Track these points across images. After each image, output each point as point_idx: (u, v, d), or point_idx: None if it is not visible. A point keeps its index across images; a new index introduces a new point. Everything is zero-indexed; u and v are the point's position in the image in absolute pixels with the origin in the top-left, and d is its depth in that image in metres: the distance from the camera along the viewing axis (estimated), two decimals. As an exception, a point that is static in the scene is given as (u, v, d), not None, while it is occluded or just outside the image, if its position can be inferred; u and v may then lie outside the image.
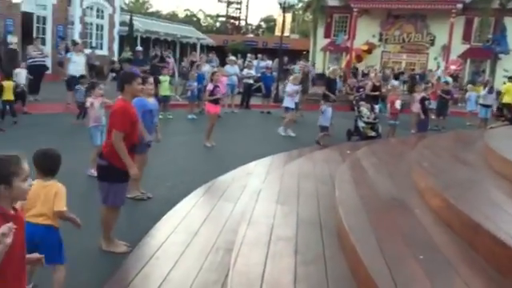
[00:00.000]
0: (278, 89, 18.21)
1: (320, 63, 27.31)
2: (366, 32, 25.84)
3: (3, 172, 2.13)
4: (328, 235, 4.28)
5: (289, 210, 5.00)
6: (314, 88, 19.00)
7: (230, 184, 6.61)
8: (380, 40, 26.49)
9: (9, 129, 9.68)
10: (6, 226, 2.04)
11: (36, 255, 2.41)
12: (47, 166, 3.33)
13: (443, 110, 14.53)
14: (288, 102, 12.33)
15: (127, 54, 18.31)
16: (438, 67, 23.27)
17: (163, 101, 13.37)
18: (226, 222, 4.97)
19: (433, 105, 13.79)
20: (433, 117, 13.83)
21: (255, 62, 20.79)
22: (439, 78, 18.89)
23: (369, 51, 26.12)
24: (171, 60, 17.68)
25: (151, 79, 6.29)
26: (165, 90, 13.20)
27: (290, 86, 12.52)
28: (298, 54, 29.52)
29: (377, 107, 12.60)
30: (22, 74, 12.26)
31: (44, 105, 12.85)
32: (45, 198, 3.27)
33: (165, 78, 13.33)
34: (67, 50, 15.91)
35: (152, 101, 6.07)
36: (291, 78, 13.36)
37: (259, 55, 23.79)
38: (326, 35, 27.88)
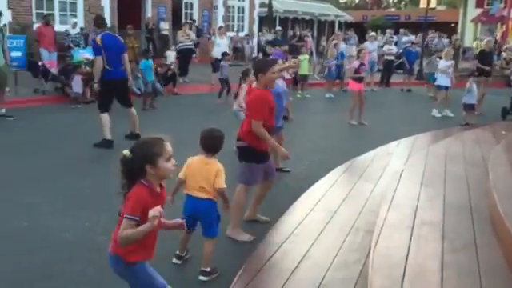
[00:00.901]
0: (422, 65, 17.13)
1: (470, 36, 25.05)
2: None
3: (148, 153, 2.33)
4: (480, 221, 3.93)
5: (434, 193, 4.69)
6: (463, 63, 17.55)
7: (370, 164, 6.42)
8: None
9: (160, 107, 10.56)
10: (157, 210, 2.26)
11: (178, 220, 2.58)
12: (210, 144, 3.55)
13: None
14: (442, 80, 11.33)
15: (266, 36, 18.71)
16: None
17: (301, 80, 13.46)
18: (366, 203, 4.84)
19: None
20: None
21: (397, 38, 19.79)
22: None
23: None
24: (309, 39, 17.66)
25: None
26: (303, 69, 13.24)
27: (443, 62, 11.59)
28: (444, 27, 27.41)
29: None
30: (171, 56, 13.49)
31: (192, 86, 13.77)
32: (206, 174, 3.49)
33: (303, 57, 13.35)
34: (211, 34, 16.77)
35: (281, 83, 6.06)
36: (443, 52, 12.39)
37: (401, 30, 22.58)
38: (478, 4, 25.49)
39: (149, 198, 2.33)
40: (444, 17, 30.34)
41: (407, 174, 5.39)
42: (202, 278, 3.54)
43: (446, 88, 11.05)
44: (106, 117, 7.09)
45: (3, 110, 8.67)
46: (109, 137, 7.04)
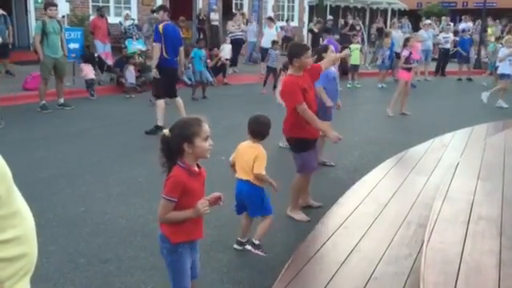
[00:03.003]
0: (480, 53, 16.40)
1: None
2: None
3: (186, 132, 2.40)
4: (541, 218, 3.73)
5: (492, 187, 4.49)
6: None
7: (423, 156, 6.23)
8: None
9: (210, 97, 10.69)
10: (206, 205, 2.43)
11: (215, 194, 2.63)
12: (257, 129, 3.66)
13: None
14: (505, 68, 10.72)
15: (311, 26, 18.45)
16: None
17: (352, 70, 13.23)
18: (419, 196, 4.71)
19: None
20: None
21: (454, 26, 19.03)
22: None
23: None
24: (361, 28, 17.29)
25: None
26: (354, 58, 13.01)
27: (503, 50, 11.03)
28: (505, 13, 26.06)
29: None
30: (226, 49, 13.42)
31: (241, 76, 13.84)
32: (247, 157, 3.61)
33: (355, 47, 13.11)
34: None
35: (333, 69, 5.99)
36: (504, 39, 11.80)
37: (464, 17, 21.64)
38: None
39: (187, 178, 2.41)
40: (505, 3, 28.79)
41: (463, 167, 5.19)
42: (248, 247, 3.69)
43: (509, 77, 10.55)
44: (162, 103, 7.31)
45: (62, 100, 9.04)
46: (161, 123, 7.22)
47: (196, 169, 2.49)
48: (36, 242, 1.43)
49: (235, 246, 3.87)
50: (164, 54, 7.13)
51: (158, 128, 7.15)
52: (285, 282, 3.16)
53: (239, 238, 3.87)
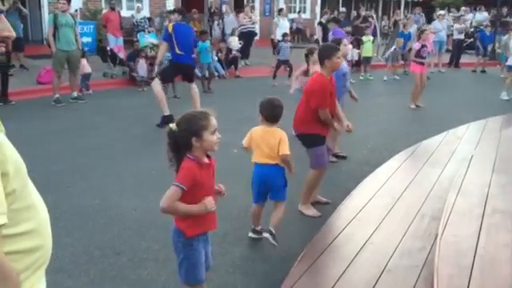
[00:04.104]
0: (495, 44, 16.15)
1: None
2: None
3: (194, 126, 2.40)
4: (558, 211, 3.69)
5: (507, 180, 4.44)
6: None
7: (437, 148, 6.18)
8: None
9: (221, 90, 10.68)
10: (212, 204, 2.48)
11: (220, 187, 2.67)
12: (271, 113, 3.64)
13: None
14: None
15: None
16: None
17: (365, 62, 13.13)
18: (432, 189, 4.67)
19: None
20: None
21: (468, 16, 18.75)
22: None
23: None
24: (373, 20, 17.13)
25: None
26: (367, 50, 12.92)
27: (513, 41, 10.89)
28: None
29: None
30: (234, 42, 13.40)
31: (253, 68, 13.80)
32: (269, 141, 3.61)
33: (367, 39, 13.00)
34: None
35: (345, 64, 5.95)
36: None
37: (481, 7, 21.25)
38: None
39: (198, 170, 2.42)
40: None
41: (477, 160, 5.14)
42: (265, 234, 3.68)
43: None
44: (159, 86, 7.35)
45: (75, 94, 9.11)
46: (167, 112, 7.27)
47: (206, 160, 2.49)
48: (51, 234, 1.45)
49: (251, 234, 3.88)
50: (177, 50, 7.22)
51: (166, 118, 7.19)
52: (297, 274, 3.16)
53: (253, 226, 3.88)
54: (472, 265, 2.88)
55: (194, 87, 7.66)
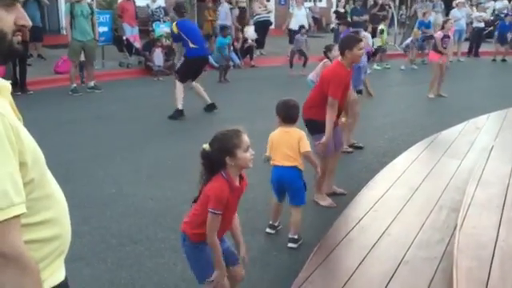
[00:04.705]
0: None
1: None
2: None
3: (227, 145, 2.38)
4: None
5: (528, 172, 4.36)
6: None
7: (456, 139, 6.08)
8: None
9: (237, 80, 10.64)
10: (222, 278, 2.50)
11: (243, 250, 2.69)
12: (287, 114, 3.62)
13: None
14: None
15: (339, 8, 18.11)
16: None
17: (380, 51, 12.96)
18: (451, 180, 4.60)
19: None
20: None
21: (489, 4, 18.37)
22: None
23: None
24: (391, 9, 16.87)
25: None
26: (382, 40, 12.72)
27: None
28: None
29: None
30: (250, 31, 13.34)
31: (268, 58, 13.73)
32: (288, 142, 3.58)
33: (384, 28, 12.82)
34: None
35: (363, 58, 5.86)
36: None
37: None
38: None
39: (228, 193, 2.41)
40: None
41: (498, 151, 5.05)
42: (291, 245, 3.66)
43: None
44: (181, 87, 7.33)
45: (92, 83, 9.16)
46: (180, 107, 7.28)
47: (237, 183, 2.47)
48: (69, 223, 1.45)
49: (268, 229, 3.87)
50: (191, 45, 7.20)
51: (178, 112, 7.22)
52: (313, 265, 3.14)
53: (271, 222, 3.88)
54: (492, 257, 2.83)
55: (194, 85, 7.56)
